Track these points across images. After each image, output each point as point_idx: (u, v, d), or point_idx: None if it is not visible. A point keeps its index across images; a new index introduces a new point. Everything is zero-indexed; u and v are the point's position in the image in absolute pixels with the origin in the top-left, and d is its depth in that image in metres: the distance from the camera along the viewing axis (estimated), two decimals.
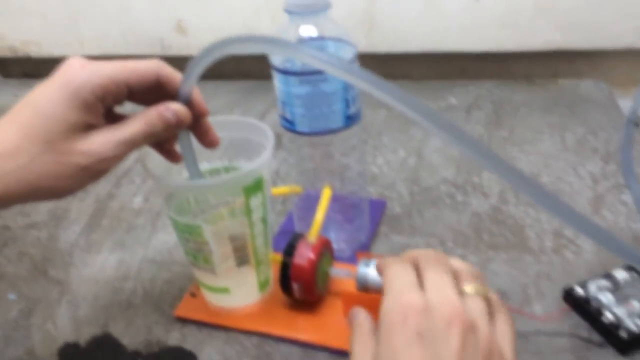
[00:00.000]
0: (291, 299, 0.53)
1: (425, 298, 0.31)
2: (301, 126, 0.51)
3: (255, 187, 0.47)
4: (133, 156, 0.80)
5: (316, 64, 0.33)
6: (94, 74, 0.39)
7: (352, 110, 0.52)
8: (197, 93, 0.44)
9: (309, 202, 0.60)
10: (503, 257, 0.57)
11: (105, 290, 0.58)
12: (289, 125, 0.52)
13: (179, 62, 0.45)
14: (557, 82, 0.88)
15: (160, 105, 0.41)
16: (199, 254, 0.49)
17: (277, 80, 0.51)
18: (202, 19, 0.96)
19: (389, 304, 0.32)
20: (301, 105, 0.50)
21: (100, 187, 0.75)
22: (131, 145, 0.41)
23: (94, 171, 0.40)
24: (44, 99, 0.39)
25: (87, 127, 0.40)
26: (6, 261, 0.63)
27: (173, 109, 0.41)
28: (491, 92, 0.87)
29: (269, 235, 0.52)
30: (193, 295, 0.55)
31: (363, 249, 0.60)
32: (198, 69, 0.40)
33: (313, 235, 0.52)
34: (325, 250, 0.52)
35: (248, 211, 0.47)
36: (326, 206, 0.54)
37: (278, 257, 0.53)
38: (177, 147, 0.46)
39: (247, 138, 0.50)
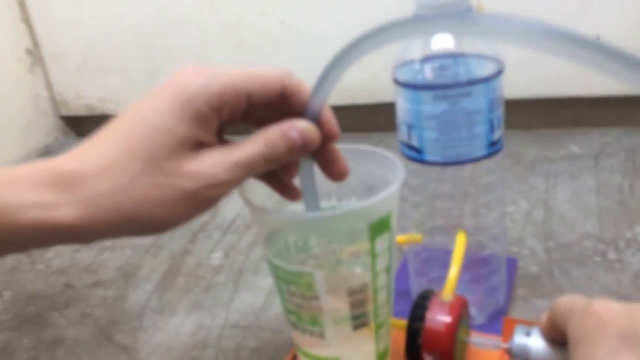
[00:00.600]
0: None
1: (617, 305, 0.28)
2: (432, 154, 0.41)
3: (382, 224, 0.36)
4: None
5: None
6: (211, 80, 0.31)
7: (497, 135, 0.42)
8: (328, 110, 0.34)
9: (430, 254, 0.49)
10: None
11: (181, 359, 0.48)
12: (415, 154, 0.42)
13: None
14: None
15: (285, 123, 0.32)
16: (304, 312, 0.38)
17: (402, 97, 0.41)
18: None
19: (577, 320, 0.29)
20: (434, 127, 0.40)
21: (175, 242, 0.66)
22: (247, 169, 0.32)
23: (202, 198, 0.31)
24: (151, 108, 0.31)
25: (198, 145, 0.31)
26: (67, 323, 0.54)
27: (299, 127, 0.32)
28: (619, 140, 0.75)
29: (392, 291, 0.41)
30: None
31: (499, 315, 0.48)
32: (332, 76, 0.31)
33: (448, 292, 0.41)
34: (463, 312, 0.41)
35: (373, 256, 0.37)
36: (462, 255, 0.42)
37: (400, 322, 0.41)
38: (296, 180, 0.37)
39: (367, 171, 0.40)
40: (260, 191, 0.39)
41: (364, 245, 0.36)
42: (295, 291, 0.38)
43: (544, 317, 0.35)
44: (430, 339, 0.39)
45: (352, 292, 0.38)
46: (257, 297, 0.54)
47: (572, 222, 0.59)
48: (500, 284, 0.48)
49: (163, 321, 0.53)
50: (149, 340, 0.51)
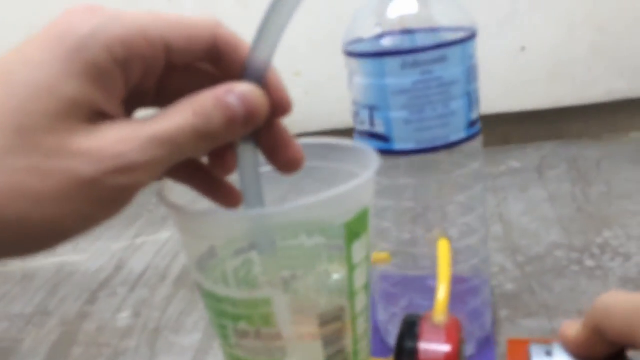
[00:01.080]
0: None
1: None
2: (402, 141, 0.33)
3: (360, 223, 0.27)
4: (112, 262, 0.59)
5: None
6: (113, 22, 0.21)
7: (475, 113, 0.34)
8: (274, 72, 0.24)
9: (401, 280, 0.40)
10: None
11: None
12: (381, 143, 0.33)
13: None
14: (629, 135, 0.74)
15: (220, 87, 0.22)
16: (261, 357, 0.28)
17: (361, 73, 0.33)
18: None
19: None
20: (404, 105, 0.32)
21: (67, 306, 0.52)
22: (170, 148, 0.21)
23: (106, 191, 0.20)
24: (22, 61, 0.20)
25: (96, 115, 0.20)
26: None
27: (240, 91, 0.22)
28: (556, 152, 0.72)
29: (370, 322, 0.31)
30: None
31: (489, 343, 0.40)
32: (276, 24, 0.22)
33: (440, 312, 0.32)
34: (461, 337, 0.32)
35: (350, 267, 0.27)
36: (449, 265, 0.34)
37: None
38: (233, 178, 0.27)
39: (330, 169, 0.31)
40: (185, 198, 0.28)
41: (337, 253, 0.27)
42: (247, 329, 0.27)
43: (570, 329, 0.27)
44: None
45: (325, 321, 0.27)
46: (183, 359, 0.42)
47: (535, 234, 0.53)
48: (485, 306, 0.40)
49: None
50: None
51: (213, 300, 0.28)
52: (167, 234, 0.64)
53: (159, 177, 0.25)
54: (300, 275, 0.28)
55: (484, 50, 0.76)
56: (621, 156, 0.68)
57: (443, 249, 0.34)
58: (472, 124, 0.34)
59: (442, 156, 0.35)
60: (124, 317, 0.49)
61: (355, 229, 0.27)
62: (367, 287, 0.29)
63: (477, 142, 0.36)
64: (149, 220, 0.69)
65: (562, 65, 0.73)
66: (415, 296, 0.40)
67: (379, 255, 0.39)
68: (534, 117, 0.76)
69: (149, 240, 0.63)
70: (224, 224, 0.26)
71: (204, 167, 0.27)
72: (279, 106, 0.24)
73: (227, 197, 0.28)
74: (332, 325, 0.28)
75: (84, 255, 0.62)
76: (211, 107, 0.21)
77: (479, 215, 0.38)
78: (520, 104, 0.75)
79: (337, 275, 0.27)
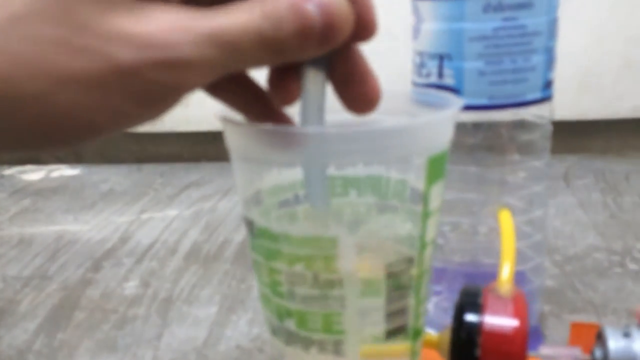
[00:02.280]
0: None
1: None
2: (474, 94, 0.30)
3: (440, 163, 0.24)
4: (117, 234, 0.55)
5: None
6: None
7: (552, 74, 0.32)
8: None
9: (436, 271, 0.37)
10: None
11: None
12: None
13: None
14: None
15: None
16: (314, 310, 0.24)
17: (434, 17, 0.30)
18: None
19: None
20: (480, 54, 0.29)
21: (68, 272, 0.48)
22: (229, 50, 0.17)
23: (147, 86, 0.16)
24: None
25: None
26: None
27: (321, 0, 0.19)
28: (580, 164, 0.70)
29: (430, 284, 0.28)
30: None
31: (536, 336, 0.37)
32: None
33: (506, 283, 0.29)
34: (527, 313, 0.29)
35: (425, 213, 0.24)
36: (513, 234, 0.31)
37: (430, 336, 0.28)
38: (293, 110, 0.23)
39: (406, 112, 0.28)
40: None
41: (414, 190, 0.24)
42: (304, 273, 0.24)
43: None
44: (494, 350, 0.26)
45: (391, 273, 0.24)
46: (198, 331, 0.39)
47: (571, 236, 0.50)
48: (532, 300, 0.37)
49: None
50: None
51: (266, 239, 0.25)
52: (174, 212, 0.61)
53: (208, 84, 0.21)
54: (366, 220, 0.25)
55: None
56: None
57: (505, 219, 0.32)
58: (548, 84, 0.31)
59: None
60: (131, 286, 0.45)
61: (436, 167, 0.24)
62: (435, 244, 0.26)
63: (545, 140, 0.34)
64: (154, 198, 0.65)
65: (591, 76, 0.71)
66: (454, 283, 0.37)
67: None
68: (558, 128, 0.75)
69: (155, 217, 0.60)
70: (297, 140, 0.23)
71: (261, 91, 0.23)
72: (362, 27, 0.20)
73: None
74: (398, 278, 0.25)
75: (85, 225, 0.58)
76: (285, 10, 0.18)
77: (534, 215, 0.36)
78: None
79: (407, 224, 0.25)
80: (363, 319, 0.25)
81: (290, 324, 0.25)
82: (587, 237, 0.50)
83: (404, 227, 0.25)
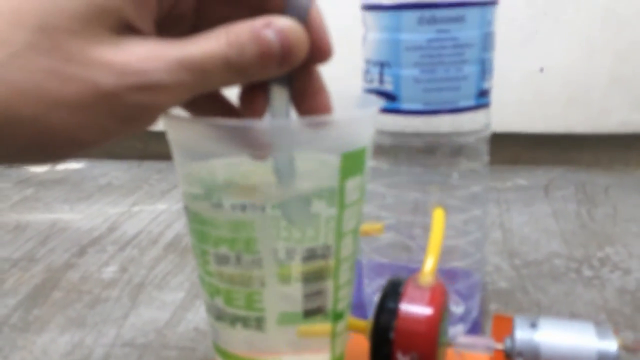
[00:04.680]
0: None
1: None
2: (410, 100, 0.33)
3: (356, 161, 0.27)
4: (106, 224, 0.59)
5: None
6: None
7: (487, 84, 0.34)
8: (317, 11, 0.23)
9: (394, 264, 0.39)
10: None
11: None
12: (388, 102, 0.33)
13: None
14: None
15: (258, 20, 0.21)
16: (238, 289, 0.27)
17: (375, 27, 0.33)
18: None
19: None
20: (416, 63, 0.32)
21: (55, 255, 0.51)
22: (198, 74, 0.20)
23: (127, 106, 0.20)
24: None
25: (124, 28, 0.20)
26: None
27: (279, 26, 0.21)
28: (564, 176, 0.71)
29: (354, 275, 0.30)
30: None
31: (473, 330, 0.38)
32: None
33: (428, 274, 0.31)
34: (445, 303, 0.31)
35: (340, 205, 0.27)
36: (442, 231, 0.33)
37: (359, 322, 0.31)
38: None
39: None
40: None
41: (327, 183, 0.26)
42: (228, 254, 0.27)
43: None
44: (407, 334, 0.28)
45: (308, 256, 0.27)
46: (162, 313, 0.41)
47: (536, 242, 0.52)
48: (474, 299, 0.39)
49: (25, 339, 0.38)
50: None
51: (197, 223, 0.27)
52: (164, 206, 0.64)
53: (182, 104, 0.24)
54: (287, 205, 0.27)
55: (503, 67, 0.76)
56: (631, 185, 0.67)
57: (437, 216, 0.34)
58: (482, 93, 0.33)
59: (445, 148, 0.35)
60: (109, 271, 0.48)
61: (350, 164, 0.26)
62: (355, 234, 0.28)
63: (482, 144, 0.36)
64: (148, 192, 0.69)
65: (579, 90, 0.73)
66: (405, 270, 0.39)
67: (371, 226, 0.38)
68: (546, 141, 0.76)
69: (145, 209, 0.63)
70: (218, 131, 0.26)
71: (232, 107, 0.26)
72: (318, 50, 0.23)
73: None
74: (315, 262, 0.27)
75: (78, 215, 0.62)
76: (246, 38, 0.21)
77: (474, 214, 0.38)
78: (534, 126, 0.75)
79: (326, 212, 0.27)
80: (281, 298, 0.27)
81: (219, 302, 0.28)
82: (551, 244, 0.52)
83: (322, 216, 0.27)
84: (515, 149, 0.78)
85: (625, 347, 0.27)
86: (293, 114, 0.25)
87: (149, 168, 0.78)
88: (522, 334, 0.28)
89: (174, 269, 0.48)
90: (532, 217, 0.58)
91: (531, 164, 0.76)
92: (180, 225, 0.58)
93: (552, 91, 0.74)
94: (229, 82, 0.22)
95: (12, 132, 0.19)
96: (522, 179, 0.70)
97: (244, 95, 0.25)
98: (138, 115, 0.20)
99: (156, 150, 0.83)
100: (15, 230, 0.58)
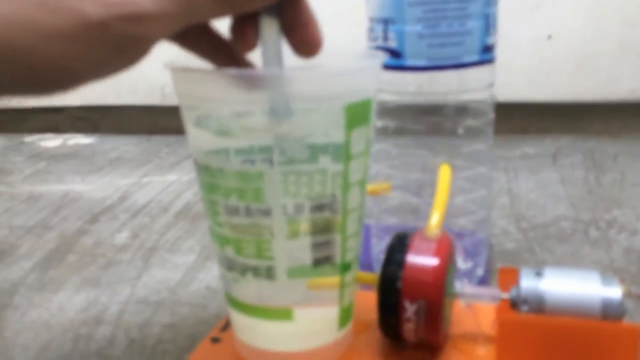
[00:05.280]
0: (388, 342, 0.31)
1: None
2: (414, 56, 0.33)
3: (361, 111, 0.27)
4: (117, 194, 0.60)
5: None
6: None
7: (491, 39, 0.34)
8: None
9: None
10: None
11: (63, 338, 0.34)
12: (392, 59, 0.33)
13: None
14: None
15: None
16: (248, 238, 0.28)
17: None
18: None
19: None
20: (419, 18, 0.32)
21: (69, 223, 0.52)
22: (185, 5, 0.21)
23: (116, 37, 0.20)
24: None
25: None
26: None
27: None
28: (573, 144, 0.71)
29: (362, 228, 0.31)
30: (216, 340, 0.32)
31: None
32: None
33: (434, 227, 0.32)
34: (452, 254, 0.31)
35: (347, 156, 0.27)
36: (448, 186, 0.34)
37: (368, 275, 0.31)
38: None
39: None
40: None
41: (335, 135, 0.27)
42: (238, 205, 0.27)
43: None
44: (414, 282, 0.29)
45: (316, 207, 0.27)
46: (174, 274, 0.42)
47: (543, 207, 0.52)
48: (481, 257, 0.39)
49: (42, 298, 0.39)
50: (19, 318, 0.37)
51: (206, 175, 0.28)
52: (174, 177, 0.64)
53: (173, 37, 0.25)
54: (296, 158, 0.27)
55: (511, 36, 0.76)
56: (639, 153, 0.67)
57: (444, 173, 0.34)
58: (486, 48, 0.34)
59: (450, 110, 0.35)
60: (122, 237, 0.49)
61: (355, 115, 0.27)
62: (362, 184, 0.29)
63: (487, 102, 0.36)
64: (158, 165, 0.70)
65: (588, 58, 0.72)
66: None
67: (379, 185, 0.38)
68: (554, 109, 0.76)
69: (155, 180, 0.64)
70: (226, 82, 0.26)
71: (224, 40, 0.27)
72: None
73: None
74: (322, 212, 0.27)
75: (89, 186, 0.63)
76: None
77: (481, 173, 0.38)
78: (542, 94, 0.74)
79: (333, 167, 0.27)
80: (290, 247, 0.28)
81: (230, 251, 0.29)
82: (558, 208, 0.52)
83: (330, 166, 0.27)
84: (524, 118, 0.78)
85: (629, 294, 0.27)
86: (286, 47, 0.26)
87: (158, 142, 0.79)
88: (528, 283, 0.29)
89: (184, 234, 0.49)
90: (540, 183, 0.58)
91: (540, 133, 0.76)
92: (190, 194, 0.58)
93: (560, 59, 0.73)
94: (217, 13, 0.22)
95: (5, 62, 0.19)
96: (530, 147, 0.71)
97: (235, 28, 0.26)
98: (128, 45, 0.21)
99: (165, 125, 0.84)
100: (28, 200, 0.59)
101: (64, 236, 0.50)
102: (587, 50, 0.72)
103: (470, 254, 0.39)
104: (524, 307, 0.28)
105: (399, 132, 0.37)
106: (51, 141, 0.83)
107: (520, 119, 0.77)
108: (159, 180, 0.64)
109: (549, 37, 0.72)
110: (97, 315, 0.37)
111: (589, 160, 0.65)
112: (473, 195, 0.38)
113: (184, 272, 0.42)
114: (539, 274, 0.29)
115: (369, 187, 0.38)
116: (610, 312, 0.27)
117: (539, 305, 0.28)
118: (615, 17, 0.71)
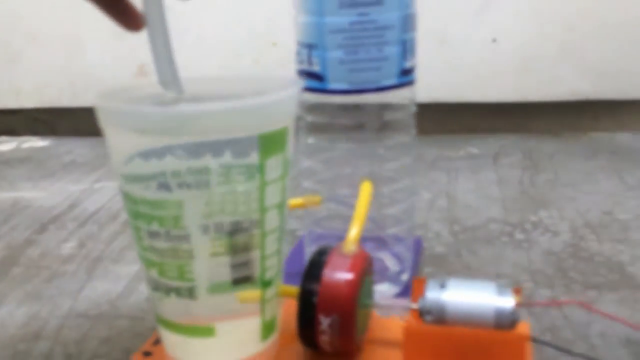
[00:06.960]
0: (310, 352, 0.33)
1: None
2: (336, 80, 0.35)
3: (276, 140, 0.29)
4: (67, 201, 0.60)
5: None
6: None
7: (409, 63, 0.36)
8: None
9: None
10: (612, 297, 0.39)
11: (2, 355, 0.36)
12: (316, 82, 0.35)
13: None
14: (589, 135, 0.76)
15: None
16: (169, 261, 0.29)
17: (303, 10, 0.35)
18: None
19: None
20: (340, 45, 0.34)
21: (16, 233, 0.53)
22: None
23: None
24: None
25: None
26: None
27: None
28: (515, 143, 0.74)
29: (283, 247, 0.32)
30: (148, 354, 0.34)
31: (404, 292, 0.41)
32: None
33: (350, 243, 0.33)
34: (367, 269, 0.33)
35: (262, 183, 0.29)
36: (368, 203, 0.35)
37: (291, 289, 0.33)
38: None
39: (253, 91, 0.33)
40: None
41: (249, 161, 0.28)
42: (158, 230, 0.29)
43: None
44: (328, 298, 0.31)
45: (233, 231, 0.29)
46: (115, 285, 0.44)
47: (477, 209, 0.55)
48: (406, 262, 0.41)
49: None
50: None
51: (131, 202, 0.29)
52: None
53: None
54: (213, 183, 0.29)
55: (457, 38, 0.79)
56: (575, 151, 0.70)
57: (364, 189, 0.36)
58: (405, 72, 0.35)
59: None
60: (68, 247, 0.50)
61: (270, 144, 0.28)
62: (280, 207, 0.31)
63: (409, 117, 0.38)
64: (110, 170, 0.70)
65: (531, 60, 0.75)
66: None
67: (310, 198, 0.40)
68: (500, 110, 0.79)
69: (107, 186, 0.65)
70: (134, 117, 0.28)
71: None
72: None
73: (130, 21, 0.32)
74: (240, 235, 0.29)
75: (40, 192, 0.63)
76: None
77: (403, 185, 0.40)
78: (487, 95, 0.77)
79: (244, 186, 0.29)
80: (210, 268, 0.29)
81: (154, 273, 0.30)
82: (490, 210, 0.55)
83: (240, 190, 0.29)
84: (471, 119, 0.80)
85: (520, 304, 0.30)
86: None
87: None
88: (432, 294, 0.31)
89: (130, 243, 0.51)
90: (478, 184, 0.61)
91: (486, 133, 0.79)
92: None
93: (504, 61, 0.76)
94: None
95: None
96: (474, 147, 0.73)
97: None
98: None
99: None
100: None
101: (11, 247, 0.51)
102: (530, 53, 0.75)
103: (400, 261, 0.41)
104: (428, 318, 0.31)
105: (327, 148, 0.39)
106: (5, 144, 0.83)
107: (468, 119, 0.80)
108: (111, 186, 0.64)
109: (494, 40, 0.75)
110: (36, 331, 0.38)
111: (527, 160, 0.68)
112: (400, 207, 0.40)
113: (126, 284, 0.44)
114: (442, 285, 0.32)
115: (300, 200, 0.40)
116: (502, 321, 0.29)
117: (440, 315, 0.30)
118: (556, 21, 0.74)
